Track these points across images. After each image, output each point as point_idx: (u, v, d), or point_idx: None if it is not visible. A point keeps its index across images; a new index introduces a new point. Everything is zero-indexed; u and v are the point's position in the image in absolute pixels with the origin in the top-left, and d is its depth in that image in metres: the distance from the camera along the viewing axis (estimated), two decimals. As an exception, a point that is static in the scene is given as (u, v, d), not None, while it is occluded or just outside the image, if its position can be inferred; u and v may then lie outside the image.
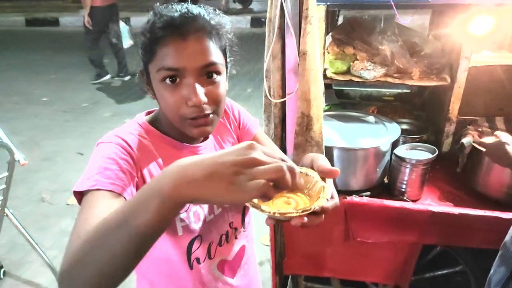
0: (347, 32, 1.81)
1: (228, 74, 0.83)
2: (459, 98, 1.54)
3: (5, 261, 2.40)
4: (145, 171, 0.77)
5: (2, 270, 2.33)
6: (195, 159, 0.49)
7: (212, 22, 0.74)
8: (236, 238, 0.96)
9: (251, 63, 4.71)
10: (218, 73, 0.75)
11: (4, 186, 1.98)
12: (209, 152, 0.84)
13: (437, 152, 1.39)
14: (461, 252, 1.50)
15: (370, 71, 1.61)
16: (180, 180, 0.48)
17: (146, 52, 0.74)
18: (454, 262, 1.57)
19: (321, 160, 0.73)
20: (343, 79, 1.64)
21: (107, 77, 5.75)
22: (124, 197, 0.69)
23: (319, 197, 0.62)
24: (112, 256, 0.50)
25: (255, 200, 0.57)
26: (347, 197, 1.41)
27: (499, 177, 1.38)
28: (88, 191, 0.66)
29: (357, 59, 1.72)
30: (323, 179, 0.68)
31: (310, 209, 0.57)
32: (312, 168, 0.71)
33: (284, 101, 1.37)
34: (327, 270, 1.59)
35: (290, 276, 1.88)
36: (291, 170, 0.50)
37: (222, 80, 0.76)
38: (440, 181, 1.54)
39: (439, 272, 1.62)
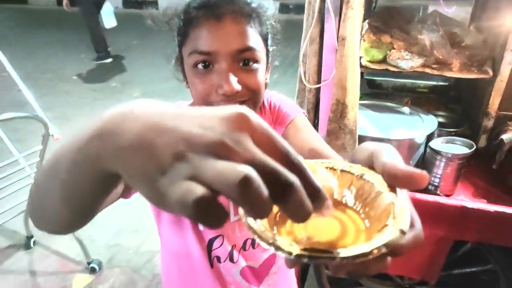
0: (384, 20, 1.76)
1: (269, 65, 0.75)
2: (500, 93, 1.48)
3: (36, 232, 2.50)
4: None
5: (33, 240, 2.43)
6: (144, 107, 0.30)
7: (253, 5, 0.68)
8: None
9: (278, 48, 4.62)
10: (256, 60, 0.67)
11: (38, 159, 2.05)
12: None
13: (474, 147, 1.35)
14: (493, 250, 1.46)
15: (407, 61, 1.57)
16: (103, 132, 0.29)
17: (180, 35, 0.69)
18: (484, 260, 1.53)
19: (388, 155, 0.37)
20: (378, 68, 1.60)
21: (109, 60, 5.68)
22: None
23: (385, 225, 0.32)
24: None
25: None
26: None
27: (539, 176, 1.33)
28: None
29: (394, 48, 1.67)
30: (392, 188, 0.36)
31: (370, 253, 0.29)
32: (371, 167, 0.38)
33: (319, 87, 1.36)
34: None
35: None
36: (286, 187, 0.26)
37: (260, 69, 0.69)
38: (474, 177, 1.50)
39: (468, 270, 1.58)
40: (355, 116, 1.29)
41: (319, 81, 1.35)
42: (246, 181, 0.24)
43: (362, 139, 1.37)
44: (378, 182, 0.36)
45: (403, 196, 0.35)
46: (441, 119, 1.66)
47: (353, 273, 0.32)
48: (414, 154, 1.41)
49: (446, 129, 1.53)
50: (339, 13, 1.19)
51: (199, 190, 0.24)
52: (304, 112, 0.86)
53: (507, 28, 1.40)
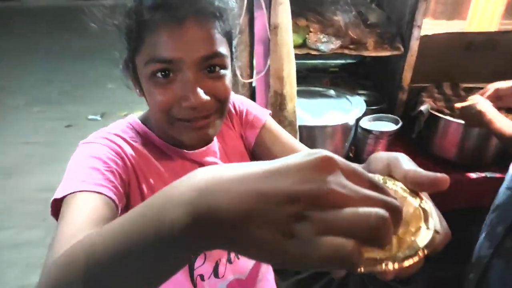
0: (297, 3, 1.73)
1: (233, 68, 0.67)
2: (411, 67, 1.58)
3: None
4: (143, 183, 0.63)
5: None
6: (220, 176, 0.28)
7: (217, 3, 0.59)
8: None
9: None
10: (224, 66, 0.61)
11: None
12: (215, 160, 0.71)
13: (401, 122, 1.42)
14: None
15: (327, 43, 1.57)
16: (197, 216, 0.27)
17: (131, 39, 0.58)
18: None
19: (405, 163, 0.39)
20: (300, 52, 1.57)
21: None
22: (116, 203, 0.54)
23: (418, 227, 0.34)
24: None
25: None
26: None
27: (453, 140, 1.46)
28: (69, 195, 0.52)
29: (311, 31, 1.66)
30: (415, 193, 0.38)
31: (416, 255, 0.31)
32: (391, 175, 0.40)
33: (253, 80, 1.27)
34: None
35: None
36: (396, 213, 0.28)
37: (227, 75, 0.62)
38: (398, 149, 1.59)
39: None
40: (294, 106, 1.24)
41: (252, 74, 1.26)
42: (383, 220, 0.26)
43: (300, 129, 1.33)
44: (400, 188, 0.38)
45: (427, 199, 0.37)
46: (363, 98, 1.72)
47: (398, 276, 0.32)
48: (348, 136, 1.43)
49: (370, 108, 1.58)
50: (269, 0, 1.11)
51: (349, 243, 0.25)
52: (270, 112, 0.82)
53: (410, 4, 1.49)
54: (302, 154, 0.28)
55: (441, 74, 1.67)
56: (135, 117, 0.70)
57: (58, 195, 0.52)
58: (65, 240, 0.42)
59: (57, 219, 0.51)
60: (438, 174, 0.36)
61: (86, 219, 0.47)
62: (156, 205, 0.30)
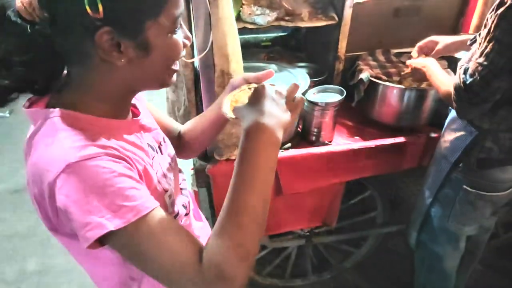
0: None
1: None
2: (346, 36, 1.59)
3: None
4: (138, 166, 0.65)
5: None
6: (263, 120, 0.64)
7: None
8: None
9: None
10: None
11: None
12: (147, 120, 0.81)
13: (345, 93, 1.42)
14: (369, 180, 1.65)
15: (264, 16, 1.50)
16: (273, 130, 0.64)
17: (146, 6, 0.60)
18: (363, 189, 1.73)
19: (249, 75, 0.84)
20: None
21: None
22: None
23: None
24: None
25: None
26: (275, 153, 1.34)
27: (391, 105, 1.52)
28: (131, 224, 0.56)
29: (244, 4, 1.57)
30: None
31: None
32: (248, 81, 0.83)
33: (195, 60, 1.16)
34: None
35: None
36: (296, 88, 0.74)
37: None
38: (341, 119, 1.61)
39: (352, 201, 1.76)
40: (242, 85, 1.16)
41: (193, 54, 1.15)
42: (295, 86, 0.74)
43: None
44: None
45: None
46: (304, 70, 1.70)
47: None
48: (296, 110, 1.40)
49: (312, 80, 1.56)
50: (206, -32, 1.00)
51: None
52: None
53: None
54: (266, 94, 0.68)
55: (373, 41, 1.71)
56: (59, 112, 0.62)
57: (116, 225, 0.54)
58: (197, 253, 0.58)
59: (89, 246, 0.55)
60: (265, 72, 0.83)
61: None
62: (262, 141, 0.63)
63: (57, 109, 0.62)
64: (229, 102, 0.76)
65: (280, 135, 0.64)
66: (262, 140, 0.63)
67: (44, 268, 2.19)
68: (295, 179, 1.40)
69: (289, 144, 1.42)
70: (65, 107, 0.62)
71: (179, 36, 0.66)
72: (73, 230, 0.58)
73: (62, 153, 0.57)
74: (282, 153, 1.36)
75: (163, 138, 0.84)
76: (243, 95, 0.78)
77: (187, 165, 1.48)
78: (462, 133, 1.24)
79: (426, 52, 1.47)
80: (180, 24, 0.66)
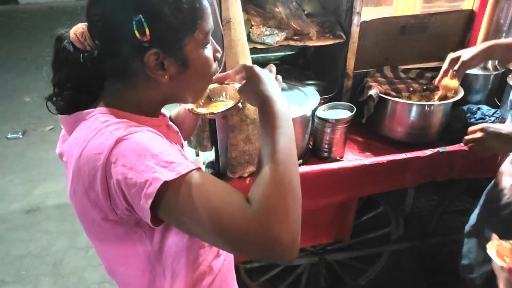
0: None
1: None
2: (354, 53, 1.61)
3: None
4: None
5: None
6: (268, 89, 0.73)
7: None
8: None
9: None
10: None
11: None
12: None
13: (355, 109, 1.44)
14: (381, 196, 1.65)
15: (273, 36, 1.54)
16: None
17: (185, 23, 0.66)
18: (376, 205, 1.72)
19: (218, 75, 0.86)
20: (246, 47, 1.52)
21: None
22: None
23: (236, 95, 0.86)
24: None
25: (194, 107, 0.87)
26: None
27: (401, 121, 1.53)
28: (182, 176, 0.59)
29: (253, 25, 1.62)
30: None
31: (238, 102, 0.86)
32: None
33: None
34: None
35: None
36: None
37: None
38: (351, 135, 1.62)
39: (365, 217, 1.75)
40: (254, 103, 1.19)
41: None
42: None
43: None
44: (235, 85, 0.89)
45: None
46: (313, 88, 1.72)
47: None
48: (307, 127, 1.42)
49: (322, 97, 1.59)
50: (218, -7, 1.03)
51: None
52: None
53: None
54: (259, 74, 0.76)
55: (380, 58, 1.73)
56: (106, 110, 0.68)
57: (170, 176, 0.58)
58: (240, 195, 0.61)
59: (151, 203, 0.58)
60: (237, 67, 0.84)
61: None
62: (280, 112, 0.69)
63: (97, 108, 0.68)
64: None
65: (285, 99, 0.73)
66: (277, 107, 0.69)
67: (57, 288, 2.19)
68: (307, 196, 1.38)
69: (300, 161, 1.43)
70: (119, 109, 0.69)
71: (209, 51, 0.72)
72: (128, 208, 0.62)
73: (109, 135, 0.62)
74: (294, 170, 1.37)
75: (183, 142, 0.90)
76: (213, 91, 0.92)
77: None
78: None
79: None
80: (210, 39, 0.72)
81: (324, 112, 1.46)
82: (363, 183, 1.43)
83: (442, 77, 1.38)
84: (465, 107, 1.59)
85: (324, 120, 1.41)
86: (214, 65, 0.76)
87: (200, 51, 0.70)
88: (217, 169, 1.37)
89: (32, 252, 2.43)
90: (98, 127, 0.64)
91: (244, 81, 0.79)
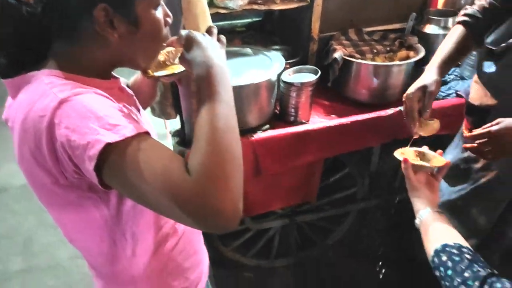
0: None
1: None
2: (319, 16, 1.60)
3: None
4: None
5: None
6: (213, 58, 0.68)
7: None
8: None
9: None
10: None
11: None
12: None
13: (320, 72, 1.45)
14: (347, 157, 1.69)
15: (235, 0, 1.50)
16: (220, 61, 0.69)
17: None
18: (342, 167, 1.77)
19: None
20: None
21: None
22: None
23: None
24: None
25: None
26: (253, 135, 1.36)
27: (365, 82, 1.55)
28: (127, 139, 0.58)
29: (213, -12, 1.57)
30: None
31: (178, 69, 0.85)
32: None
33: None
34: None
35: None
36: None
37: None
38: (317, 98, 1.64)
39: (332, 179, 1.80)
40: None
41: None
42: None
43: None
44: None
45: None
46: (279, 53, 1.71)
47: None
48: (272, 92, 1.42)
49: (287, 61, 1.58)
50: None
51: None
52: None
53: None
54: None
55: (345, 21, 1.73)
56: (51, 72, 0.65)
57: (113, 139, 0.57)
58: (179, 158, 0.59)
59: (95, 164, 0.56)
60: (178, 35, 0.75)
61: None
62: (219, 78, 0.65)
63: (41, 71, 0.65)
64: None
65: (225, 64, 0.69)
66: (215, 73, 0.65)
67: (28, 267, 2.16)
68: (274, 159, 1.42)
69: (267, 126, 1.44)
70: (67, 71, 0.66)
71: (160, 13, 0.71)
72: (77, 171, 0.61)
73: (52, 97, 0.59)
74: (260, 134, 1.38)
75: (139, 106, 0.87)
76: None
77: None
78: None
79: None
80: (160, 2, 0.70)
81: (290, 76, 1.46)
82: (328, 144, 1.46)
83: (419, 123, 1.22)
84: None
85: (290, 84, 1.42)
86: (165, 30, 0.74)
87: (151, 12, 0.69)
88: (183, 137, 1.36)
89: (1, 233, 2.37)
90: (43, 89, 0.62)
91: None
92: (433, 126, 1.22)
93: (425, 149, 1.10)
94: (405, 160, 1.02)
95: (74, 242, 0.81)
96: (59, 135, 0.58)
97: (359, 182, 1.81)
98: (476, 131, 1.03)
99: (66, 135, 0.57)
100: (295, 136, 1.39)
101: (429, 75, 1.20)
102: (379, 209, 2.09)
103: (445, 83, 1.68)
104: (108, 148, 0.56)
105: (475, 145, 1.04)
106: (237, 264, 1.96)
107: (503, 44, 1.07)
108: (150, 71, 0.83)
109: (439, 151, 1.07)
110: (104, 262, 0.81)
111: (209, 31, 0.76)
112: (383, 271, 2.04)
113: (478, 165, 1.25)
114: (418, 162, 1.01)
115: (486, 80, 1.19)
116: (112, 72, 0.80)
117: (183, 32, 0.73)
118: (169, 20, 0.75)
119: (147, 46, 0.72)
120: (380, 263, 2.06)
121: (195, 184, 0.54)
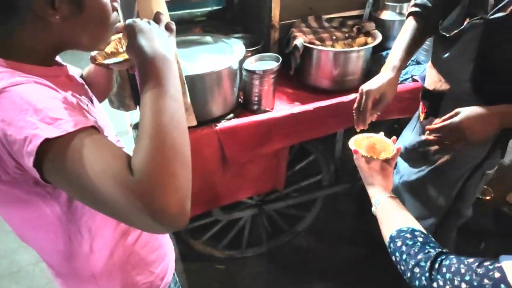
0: None
1: None
2: (278, 4, 1.60)
3: None
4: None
5: None
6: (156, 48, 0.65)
7: None
8: None
9: None
10: None
11: None
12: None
13: (281, 59, 1.45)
14: (312, 144, 1.71)
15: (193, -14, 1.47)
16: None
17: None
18: (308, 154, 1.79)
19: None
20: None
21: None
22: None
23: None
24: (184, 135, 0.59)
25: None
26: (217, 124, 1.35)
27: (326, 69, 1.57)
28: (68, 135, 0.54)
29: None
30: None
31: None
32: None
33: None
34: (209, 204, 1.56)
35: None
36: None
37: None
38: (281, 87, 1.64)
39: (298, 166, 1.82)
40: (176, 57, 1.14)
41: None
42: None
43: (186, 80, 1.25)
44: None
45: None
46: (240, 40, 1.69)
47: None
48: (235, 80, 1.41)
49: (248, 49, 1.57)
50: None
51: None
52: None
53: None
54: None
55: (304, 9, 1.74)
56: None
57: (52, 134, 0.52)
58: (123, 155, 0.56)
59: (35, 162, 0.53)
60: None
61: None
62: (162, 70, 0.62)
63: None
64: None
65: (171, 55, 0.65)
66: (158, 65, 0.62)
67: (-13, 274, 2.05)
68: (239, 149, 1.41)
69: (231, 115, 1.43)
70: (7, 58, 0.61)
71: None
72: (18, 167, 0.58)
73: None
74: (225, 124, 1.36)
75: (91, 96, 0.83)
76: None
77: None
78: None
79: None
80: None
81: (252, 64, 1.45)
82: (293, 131, 1.47)
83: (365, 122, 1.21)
84: (384, 53, 1.67)
85: (252, 72, 1.41)
86: (114, 14, 0.70)
87: None
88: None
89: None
90: None
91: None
92: (387, 149, 1.04)
93: (381, 135, 1.08)
94: (355, 152, 1.04)
95: (28, 241, 0.77)
96: None
97: (324, 168, 1.83)
98: (438, 124, 1.06)
99: (2, 129, 0.53)
100: (259, 124, 1.39)
101: (388, 78, 1.18)
102: (346, 195, 2.14)
103: (402, 68, 1.73)
104: (47, 143, 0.52)
105: (438, 137, 1.07)
106: (208, 257, 1.95)
107: (456, 31, 1.10)
108: (99, 58, 0.79)
109: (394, 138, 1.06)
110: (61, 259, 0.77)
111: (156, 18, 0.72)
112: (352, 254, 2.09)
113: (434, 147, 1.30)
114: (366, 154, 1.01)
115: (439, 65, 1.23)
116: (59, 60, 0.76)
117: (127, 21, 0.69)
118: (116, 4, 0.71)
119: (92, 30, 0.68)
120: (349, 247, 2.11)
121: (138, 184, 0.51)
